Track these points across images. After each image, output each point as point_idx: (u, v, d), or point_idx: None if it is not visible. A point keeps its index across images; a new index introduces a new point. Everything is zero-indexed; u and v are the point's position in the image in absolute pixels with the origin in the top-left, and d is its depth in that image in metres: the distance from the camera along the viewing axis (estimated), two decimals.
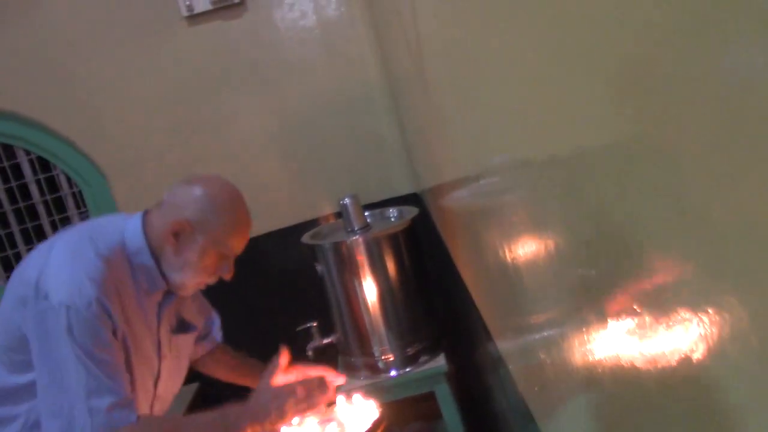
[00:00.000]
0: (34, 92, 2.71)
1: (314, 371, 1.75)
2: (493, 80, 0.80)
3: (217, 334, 1.99)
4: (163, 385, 1.67)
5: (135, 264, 1.55)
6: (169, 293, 1.64)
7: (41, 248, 1.56)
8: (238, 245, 1.62)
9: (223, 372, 1.99)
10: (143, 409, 1.60)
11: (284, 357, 1.71)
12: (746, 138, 0.30)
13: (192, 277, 1.59)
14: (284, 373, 1.73)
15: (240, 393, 2.82)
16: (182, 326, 1.76)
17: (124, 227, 1.58)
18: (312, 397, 1.60)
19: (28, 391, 1.49)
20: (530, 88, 0.64)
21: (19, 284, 1.48)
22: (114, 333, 1.46)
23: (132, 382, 1.52)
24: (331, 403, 1.67)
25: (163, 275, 1.58)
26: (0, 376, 1.51)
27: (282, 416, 1.57)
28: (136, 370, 1.53)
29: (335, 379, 1.73)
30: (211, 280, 1.64)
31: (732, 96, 0.30)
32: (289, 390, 1.60)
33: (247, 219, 1.65)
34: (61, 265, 1.46)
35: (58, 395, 1.41)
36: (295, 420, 1.62)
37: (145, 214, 1.61)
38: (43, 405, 1.42)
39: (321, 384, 1.62)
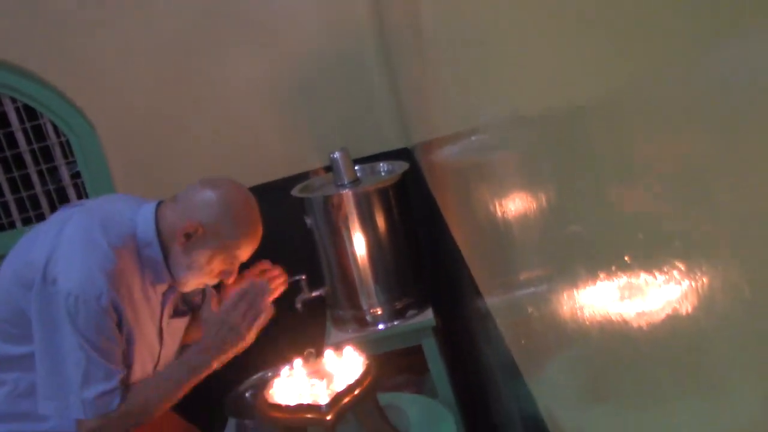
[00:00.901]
0: (22, 39, 2.66)
1: (246, 279, 1.73)
2: (484, 34, 0.79)
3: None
4: (161, 366, 1.69)
5: (144, 255, 1.57)
6: (173, 286, 1.66)
7: (48, 230, 1.56)
8: (246, 254, 1.64)
9: None
10: None
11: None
12: (739, 87, 0.29)
13: (195, 277, 1.61)
14: (223, 294, 1.74)
15: None
16: (178, 311, 1.78)
17: (136, 216, 1.58)
18: (256, 303, 1.63)
19: (20, 362, 1.52)
20: (521, 42, 0.63)
21: (24, 265, 1.50)
22: (119, 325, 1.49)
23: (131, 371, 1.55)
24: (319, 354, 1.68)
25: (170, 270, 1.59)
26: None
27: (239, 335, 1.60)
28: (137, 357, 1.57)
29: (271, 272, 1.75)
30: (213, 282, 1.66)
31: (728, 45, 0.30)
32: (231, 307, 1.61)
33: (259, 229, 1.66)
34: (72, 252, 1.48)
35: (57, 380, 1.46)
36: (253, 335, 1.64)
37: (159, 205, 1.61)
38: (42, 386, 1.48)
39: (258, 287, 1.65)
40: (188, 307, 1.83)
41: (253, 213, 1.64)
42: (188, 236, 1.56)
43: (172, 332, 1.74)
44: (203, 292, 1.82)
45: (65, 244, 1.49)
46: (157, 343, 1.66)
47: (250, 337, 1.62)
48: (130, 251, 1.54)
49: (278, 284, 1.75)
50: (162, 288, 1.64)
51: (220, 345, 1.59)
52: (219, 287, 1.73)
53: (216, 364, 1.59)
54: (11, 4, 2.66)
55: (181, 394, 1.59)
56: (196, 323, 1.83)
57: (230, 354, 1.61)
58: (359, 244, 2.06)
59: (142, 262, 1.57)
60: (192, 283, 1.63)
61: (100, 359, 1.45)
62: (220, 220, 1.57)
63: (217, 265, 1.60)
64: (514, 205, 0.83)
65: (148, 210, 1.60)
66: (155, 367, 1.67)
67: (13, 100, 2.83)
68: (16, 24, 2.66)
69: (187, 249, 1.57)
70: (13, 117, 2.86)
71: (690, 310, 0.38)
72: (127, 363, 1.54)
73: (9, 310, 1.51)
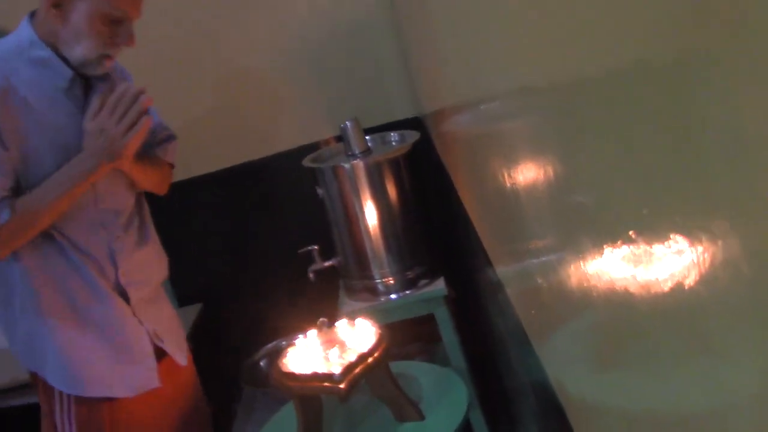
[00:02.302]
0: None
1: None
2: (494, 3, 0.78)
3: (165, 152, 1.88)
4: (109, 196, 1.67)
5: (34, 58, 1.55)
6: (90, 83, 1.63)
7: None
8: (123, 3, 1.55)
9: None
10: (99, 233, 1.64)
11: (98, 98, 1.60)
12: (743, 57, 0.30)
13: (89, 47, 1.55)
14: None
15: (243, 314, 2.88)
16: None
17: (18, 32, 1.58)
18: (131, 111, 1.55)
19: None
20: (530, 11, 0.63)
21: None
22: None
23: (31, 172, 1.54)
24: (331, 323, 1.70)
25: (66, 60, 1.56)
26: None
27: (116, 142, 1.54)
28: (46, 157, 1.55)
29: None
30: (113, 51, 1.59)
31: (736, 9, 0.30)
32: (107, 115, 1.55)
33: None
34: None
35: None
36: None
37: (33, 14, 1.59)
38: None
39: (130, 93, 1.56)
40: None
41: None
42: (58, 6, 1.52)
43: None
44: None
45: None
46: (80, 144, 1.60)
47: (131, 144, 1.57)
48: (18, 60, 1.54)
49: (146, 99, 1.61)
50: (75, 90, 1.61)
51: (99, 152, 1.55)
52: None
53: (97, 172, 1.56)
54: None
55: (65, 201, 1.56)
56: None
57: (110, 162, 1.56)
58: (371, 214, 2.07)
59: (36, 68, 1.55)
60: (90, 55, 1.56)
61: None
62: None
63: (103, 25, 1.54)
64: (523, 174, 0.84)
65: (23, 21, 1.58)
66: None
67: None
68: None
69: (64, 18, 1.53)
70: None
71: (692, 281, 0.39)
72: (24, 166, 1.54)
73: None
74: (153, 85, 2.76)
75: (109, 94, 1.58)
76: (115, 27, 1.56)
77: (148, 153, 1.79)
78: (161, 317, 1.79)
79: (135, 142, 1.57)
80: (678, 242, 0.40)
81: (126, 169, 1.64)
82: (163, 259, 1.86)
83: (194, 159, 2.79)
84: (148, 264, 1.77)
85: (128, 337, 1.68)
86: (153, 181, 1.81)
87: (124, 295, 1.68)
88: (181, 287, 2.89)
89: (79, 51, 1.55)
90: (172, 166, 1.90)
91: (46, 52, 1.55)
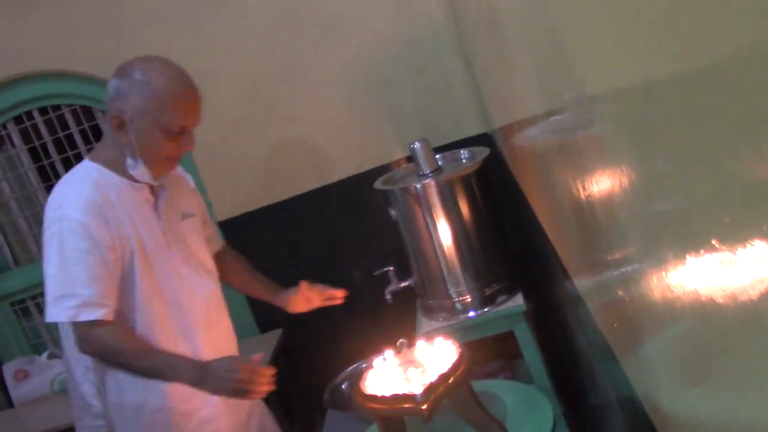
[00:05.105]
0: (112, 55, 2.77)
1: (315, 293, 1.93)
2: (562, 14, 0.78)
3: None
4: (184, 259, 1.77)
5: (104, 183, 1.67)
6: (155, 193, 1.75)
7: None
8: (181, 119, 1.64)
9: (240, 284, 2.08)
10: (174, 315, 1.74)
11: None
12: None
13: (154, 162, 1.67)
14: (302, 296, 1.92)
15: (322, 337, 2.90)
16: (185, 214, 1.84)
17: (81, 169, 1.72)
18: (250, 386, 1.59)
19: None
20: (600, 20, 0.62)
21: None
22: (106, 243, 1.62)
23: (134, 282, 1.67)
24: (411, 344, 1.69)
25: (134, 175, 1.68)
26: None
27: (217, 386, 1.59)
28: (145, 264, 1.68)
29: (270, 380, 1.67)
30: (176, 154, 1.70)
31: None
32: (240, 368, 1.59)
33: (178, 88, 1.65)
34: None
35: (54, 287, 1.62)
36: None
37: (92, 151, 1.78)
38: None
39: (263, 377, 1.61)
40: (191, 211, 1.88)
41: (163, 76, 1.64)
42: (120, 127, 1.63)
43: (181, 233, 1.80)
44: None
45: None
46: (164, 242, 1.73)
47: (221, 394, 1.63)
48: (95, 186, 1.65)
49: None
50: (144, 196, 1.72)
51: (206, 381, 1.60)
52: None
53: (187, 383, 1.62)
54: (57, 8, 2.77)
55: (149, 375, 1.64)
56: (265, 289, 2.01)
57: (201, 387, 1.61)
58: (444, 233, 2.06)
59: (108, 188, 1.66)
60: (154, 165, 1.68)
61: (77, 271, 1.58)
62: (132, 97, 1.61)
63: (164, 137, 1.63)
64: (599, 185, 0.82)
65: (83, 163, 1.73)
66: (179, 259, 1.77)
67: (105, 113, 2.98)
68: (104, 39, 2.78)
69: (128, 137, 1.63)
70: (70, 119, 3.04)
71: None
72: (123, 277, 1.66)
73: None
74: (228, 121, 2.84)
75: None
76: (178, 138, 1.67)
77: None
78: None
79: (229, 396, 1.64)
80: (765, 248, 0.38)
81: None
82: None
83: (264, 189, 2.86)
84: None
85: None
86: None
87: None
88: (261, 314, 2.95)
89: (144, 167, 1.67)
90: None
91: (114, 178, 1.68)
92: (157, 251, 1.71)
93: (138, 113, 1.61)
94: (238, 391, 1.59)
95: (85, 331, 1.61)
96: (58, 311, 1.59)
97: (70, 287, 1.58)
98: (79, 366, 2.12)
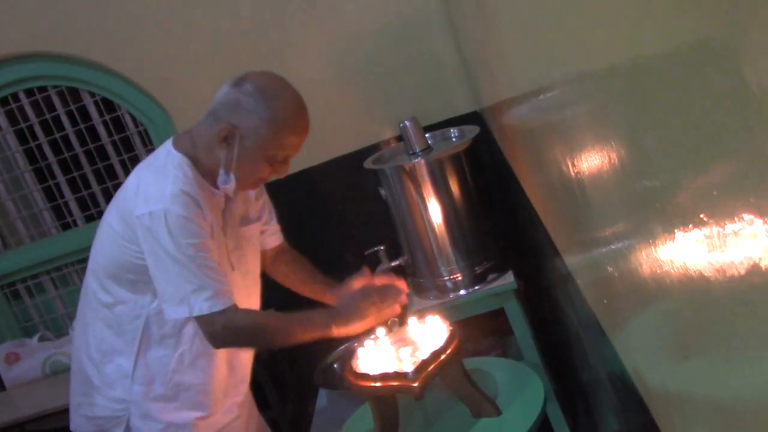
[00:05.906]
0: (97, 36, 2.74)
1: (385, 280, 1.85)
2: None
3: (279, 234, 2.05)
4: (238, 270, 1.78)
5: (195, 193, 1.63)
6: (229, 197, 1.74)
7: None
8: (290, 150, 1.66)
9: (295, 281, 2.05)
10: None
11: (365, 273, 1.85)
12: None
13: (246, 181, 1.68)
14: (360, 284, 1.85)
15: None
16: (245, 220, 1.84)
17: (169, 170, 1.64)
18: (387, 300, 1.70)
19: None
20: None
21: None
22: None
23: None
24: (402, 322, 1.70)
25: (215, 182, 1.65)
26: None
27: (362, 317, 1.66)
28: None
29: (403, 287, 1.80)
30: (265, 179, 1.73)
31: None
32: (364, 294, 1.71)
33: (298, 121, 1.67)
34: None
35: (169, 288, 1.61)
36: (372, 326, 1.70)
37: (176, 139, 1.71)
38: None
39: (395, 290, 1.74)
40: (252, 217, 1.88)
41: (286, 103, 1.65)
42: (225, 139, 1.60)
43: (245, 238, 1.81)
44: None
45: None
46: (224, 246, 1.72)
47: (368, 322, 1.68)
48: (190, 180, 1.61)
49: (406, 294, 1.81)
50: (218, 201, 1.69)
51: (345, 317, 1.66)
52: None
53: (333, 331, 1.66)
54: (86, 3, 2.74)
55: (294, 338, 1.68)
56: (332, 293, 1.92)
57: (347, 329, 1.67)
58: (435, 212, 2.06)
59: (197, 185, 1.62)
60: (243, 183, 1.68)
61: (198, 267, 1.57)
62: (251, 117, 1.59)
63: (266, 162, 1.63)
64: (588, 162, 0.82)
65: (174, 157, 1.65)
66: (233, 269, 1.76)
67: (92, 95, 2.94)
68: (92, 22, 2.75)
69: (229, 152, 1.60)
70: (93, 111, 2.97)
71: None
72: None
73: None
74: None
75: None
76: (276, 164, 1.66)
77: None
78: None
79: (376, 321, 1.69)
80: (752, 222, 0.38)
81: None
82: None
83: None
84: None
85: None
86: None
87: None
88: None
89: (234, 183, 1.64)
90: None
91: (198, 176, 1.64)
92: (219, 255, 1.69)
93: (251, 134, 1.59)
94: (381, 307, 1.68)
95: (223, 321, 1.59)
96: (191, 307, 1.57)
97: (197, 281, 1.56)
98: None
